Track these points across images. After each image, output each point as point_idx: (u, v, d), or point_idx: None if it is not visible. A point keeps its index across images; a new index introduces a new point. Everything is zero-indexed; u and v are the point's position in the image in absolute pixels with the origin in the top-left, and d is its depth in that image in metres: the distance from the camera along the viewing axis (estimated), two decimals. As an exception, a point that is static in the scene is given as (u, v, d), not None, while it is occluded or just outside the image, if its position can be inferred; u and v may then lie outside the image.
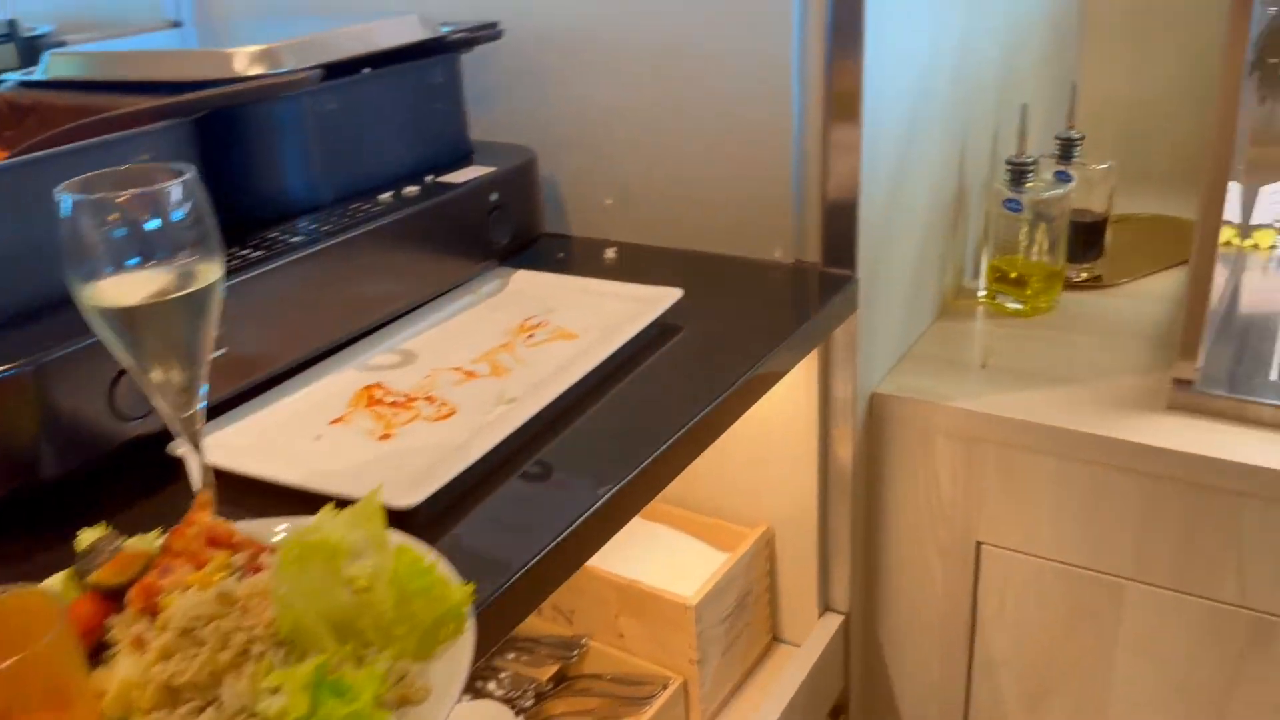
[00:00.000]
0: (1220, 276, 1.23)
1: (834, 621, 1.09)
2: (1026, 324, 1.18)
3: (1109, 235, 1.28)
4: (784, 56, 0.91)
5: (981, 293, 1.24)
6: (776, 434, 1.04)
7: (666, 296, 0.87)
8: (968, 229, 1.24)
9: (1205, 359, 1.01)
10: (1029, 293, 1.19)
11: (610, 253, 1.04)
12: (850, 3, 0.87)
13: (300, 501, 0.61)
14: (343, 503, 0.50)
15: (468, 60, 1.00)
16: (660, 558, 1.06)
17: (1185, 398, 0.96)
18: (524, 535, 0.61)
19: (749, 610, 1.06)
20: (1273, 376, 0.99)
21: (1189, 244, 0.95)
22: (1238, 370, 1.01)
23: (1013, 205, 1.17)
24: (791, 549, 1.09)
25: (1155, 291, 1.24)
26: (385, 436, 0.69)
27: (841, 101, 0.91)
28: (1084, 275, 1.27)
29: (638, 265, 1.02)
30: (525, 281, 0.95)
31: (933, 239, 1.15)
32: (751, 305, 0.93)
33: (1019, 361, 1.08)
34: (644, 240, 1.06)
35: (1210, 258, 0.94)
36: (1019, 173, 1.16)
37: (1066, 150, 1.25)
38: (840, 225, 0.95)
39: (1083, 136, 1.24)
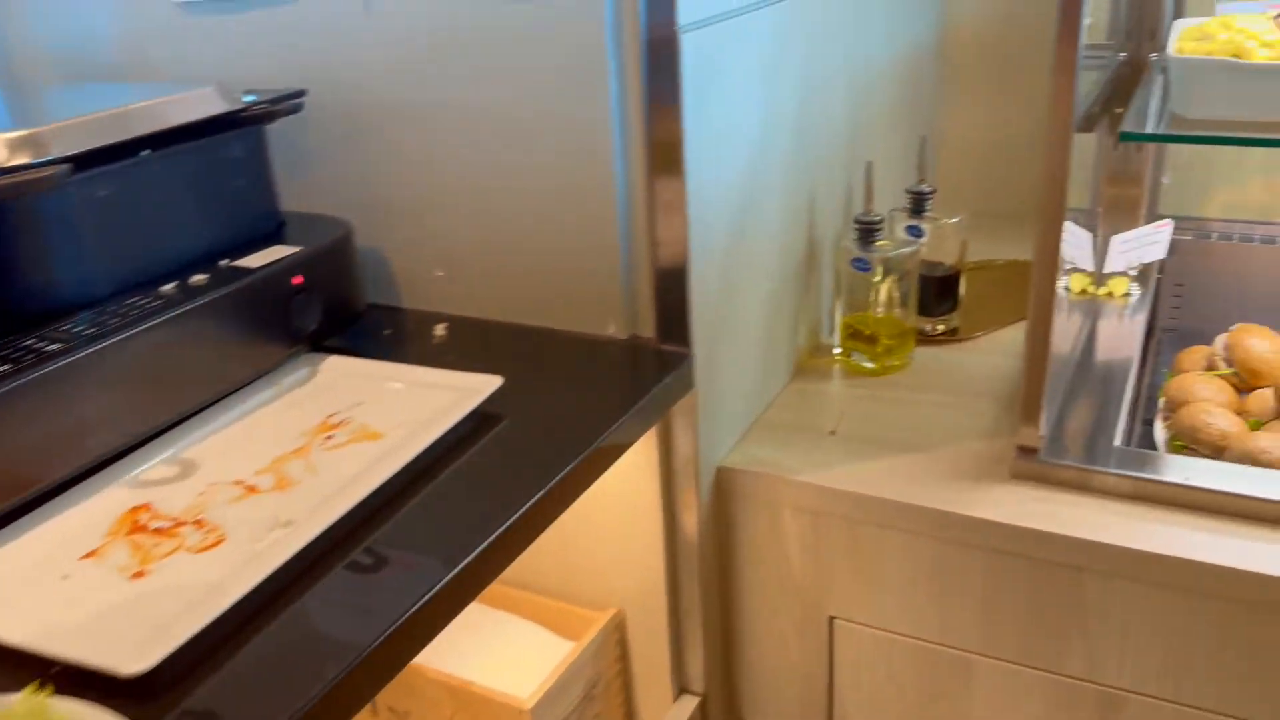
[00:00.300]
0: (1071, 330, 1.24)
1: (690, 704, 1.05)
2: (879, 383, 1.15)
3: (964, 286, 1.27)
4: (603, 120, 0.87)
5: (837, 350, 1.22)
6: (621, 513, 1.00)
7: (484, 386, 0.82)
8: (821, 286, 1.22)
9: (1052, 421, 1.00)
10: (880, 350, 1.17)
11: (440, 329, 0.98)
12: (667, 63, 0.83)
13: (27, 665, 0.54)
14: (65, 671, 0.43)
15: (289, 126, 0.94)
16: (503, 649, 1.00)
17: (1028, 467, 0.95)
18: (290, 683, 0.54)
19: (598, 700, 1.01)
20: (1117, 440, 0.98)
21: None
22: (1086, 432, 1.00)
23: (860, 265, 1.15)
24: (643, 631, 1.04)
25: (1010, 345, 1.23)
26: (139, 574, 0.62)
27: (664, 163, 0.87)
28: (940, 328, 1.26)
29: (468, 343, 0.96)
30: (336, 370, 0.89)
31: (784, 298, 1.12)
32: (581, 388, 0.89)
33: (868, 426, 1.06)
34: (478, 313, 1.00)
35: (1046, 322, 0.92)
36: (866, 231, 1.14)
37: (918, 204, 1.24)
38: (673, 297, 0.91)
39: (933, 190, 1.23)
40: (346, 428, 0.79)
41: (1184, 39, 1.12)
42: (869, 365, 1.18)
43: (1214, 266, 1.44)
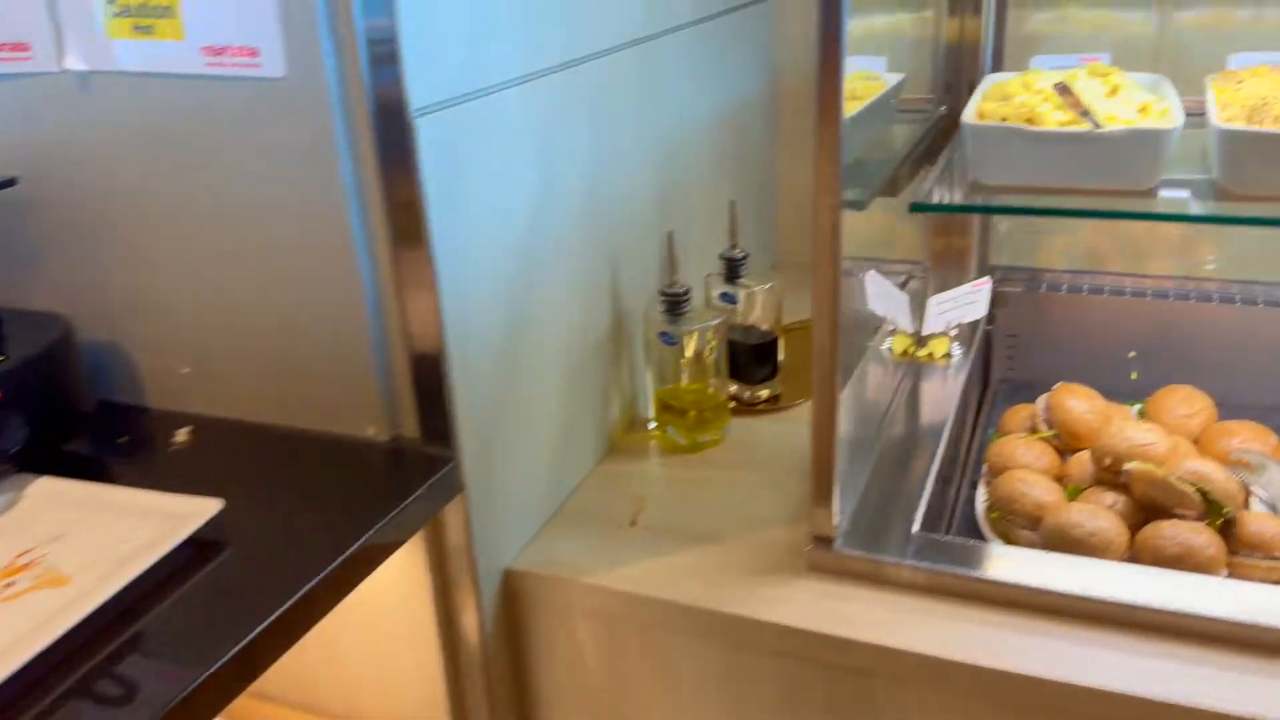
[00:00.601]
0: (884, 397, 1.20)
1: (486, 826, 0.96)
2: (692, 461, 1.10)
3: (783, 351, 1.22)
4: (339, 205, 0.79)
5: (653, 425, 1.16)
6: (397, 626, 0.91)
7: (197, 513, 0.73)
8: (636, 359, 1.16)
9: (852, 504, 0.96)
10: (692, 426, 1.11)
11: (182, 434, 0.89)
12: (401, 146, 0.76)
13: None
14: None
15: (4, 216, 0.84)
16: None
17: (824, 558, 0.89)
18: None
19: (379, 832, 0.92)
20: (916, 526, 0.93)
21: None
22: (888, 515, 0.95)
23: (667, 339, 1.09)
24: (432, 749, 0.96)
25: (832, 410, 1.19)
26: None
27: (409, 245, 0.79)
28: (762, 395, 1.21)
29: (210, 450, 0.87)
30: (41, 495, 0.79)
31: (589, 375, 1.06)
32: (327, 502, 0.80)
33: (671, 514, 1.00)
34: (229, 413, 0.91)
35: (830, 401, 0.87)
36: (672, 303, 1.08)
37: (731, 270, 1.19)
38: (432, 390, 0.83)
39: (745, 255, 1.18)
40: (32, 571, 0.69)
41: (987, 98, 1.10)
42: (682, 441, 1.12)
43: (1046, 317, 1.43)
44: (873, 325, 1.32)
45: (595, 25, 1.00)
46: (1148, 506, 1.02)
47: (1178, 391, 1.22)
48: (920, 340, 1.26)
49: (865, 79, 1.23)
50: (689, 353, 1.10)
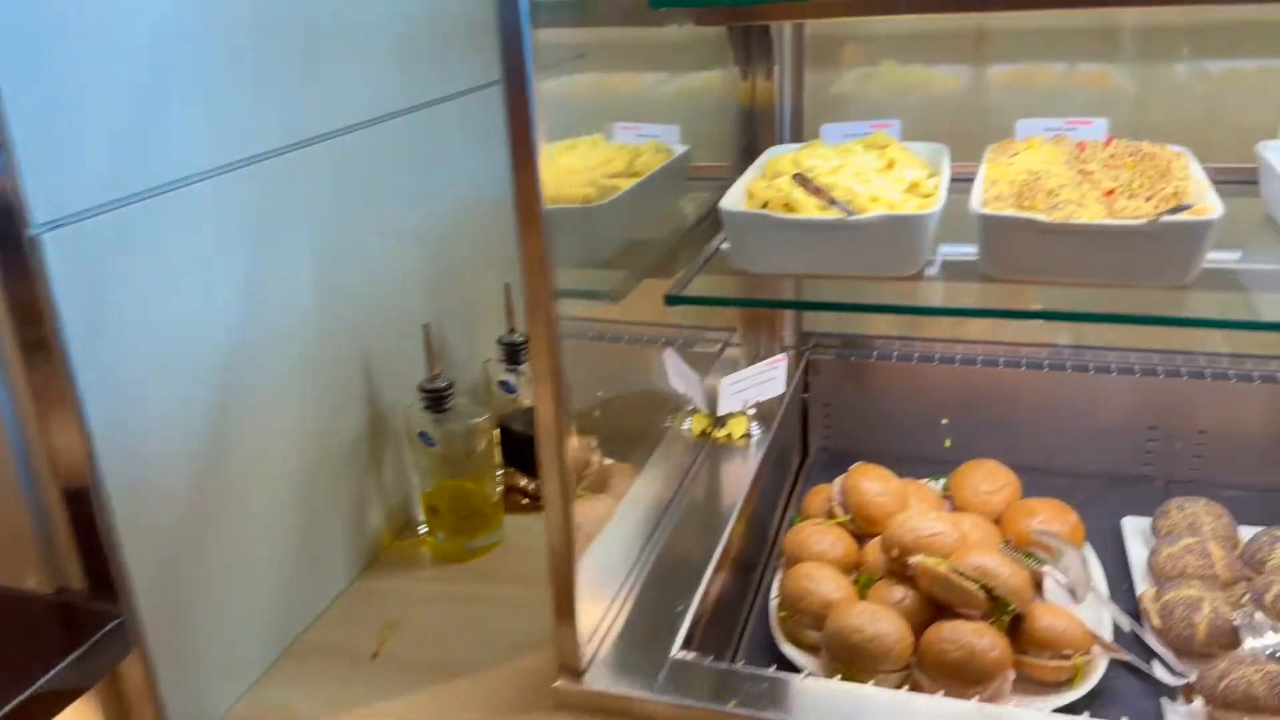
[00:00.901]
0: (671, 485, 1.12)
1: None
2: (459, 573, 1.01)
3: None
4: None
5: (423, 529, 1.06)
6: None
7: None
8: (405, 458, 1.06)
9: (606, 626, 0.88)
10: (458, 530, 1.02)
11: None
12: (19, 262, 0.65)
13: None
14: None
15: None
16: None
17: (570, 693, 0.81)
18: None
19: None
20: (675, 650, 0.85)
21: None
22: (654, 632, 0.87)
23: (425, 439, 1.00)
24: None
25: (624, 502, 1.11)
26: None
27: (40, 363, 0.68)
28: (545, 491, 1.13)
29: None
30: None
31: (334, 488, 0.96)
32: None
33: (422, 641, 0.90)
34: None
35: (564, 510, 0.78)
36: (432, 399, 0.99)
37: (511, 355, 1.11)
38: (90, 536, 0.72)
39: (526, 339, 1.10)
40: None
41: (765, 173, 1.04)
42: (450, 547, 1.03)
43: (860, 385, 1.39)
44: (673, 405, 1.25)
45: (325, 103, 0.91)
46: (935, 602, 0.97)
47: (981, 466, 1.18)
48: (718, 420, 1.20)
49: (655, 151, 1.17)
50: (455, 450, 1.01)
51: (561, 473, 0.76)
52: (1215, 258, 0.84)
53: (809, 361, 1.39)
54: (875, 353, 1.37)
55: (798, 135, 1.31)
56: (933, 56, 1.36)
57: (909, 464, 1.30)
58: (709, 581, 0.96)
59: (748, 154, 1.29)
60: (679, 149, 1.18)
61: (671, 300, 0.89)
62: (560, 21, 0.93)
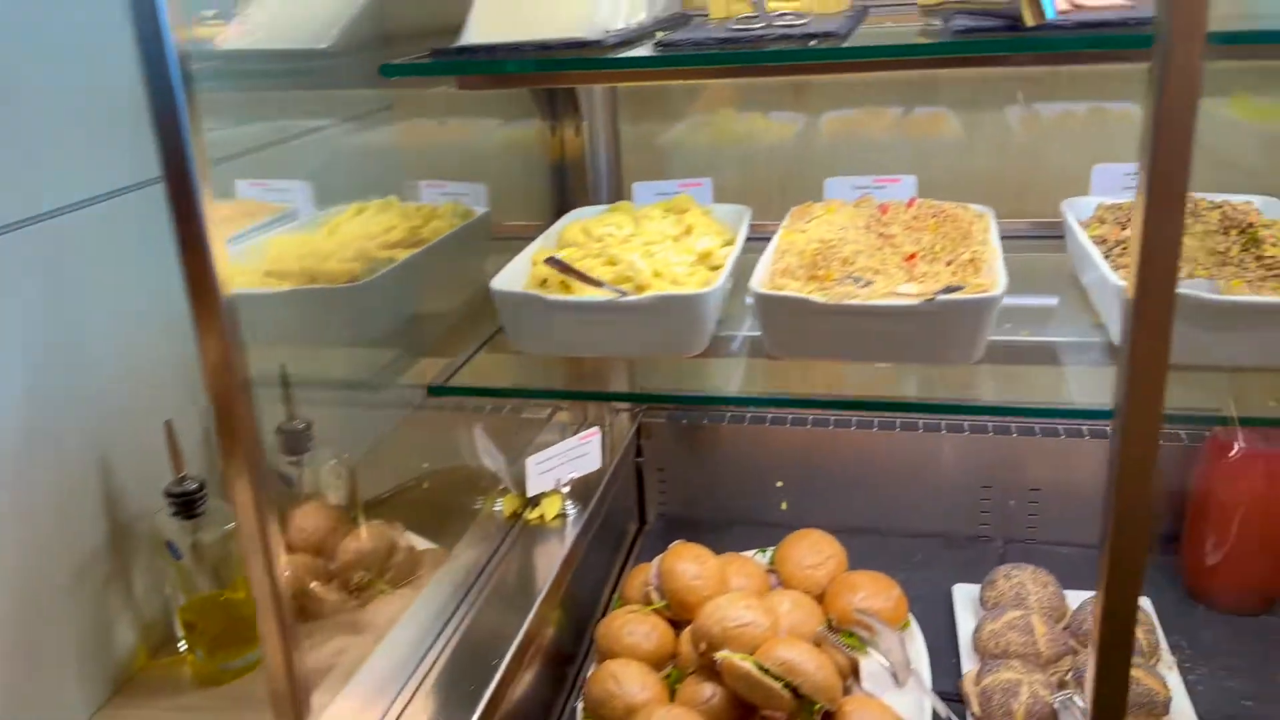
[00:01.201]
0: (475, 569, 1.03)
1: None
2: (210, 698, 0.90)
3: (365, 533, 1.05)
4: None
5: (183, 646, 0.95)
6: None
7: None
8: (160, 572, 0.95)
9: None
10: (215, 646, 0.91)
11: None
12: None
13: None
14: None
15: None
16: None
17: None
18: None
19: None
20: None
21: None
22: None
23: (173, 550, 0.89)
24: None
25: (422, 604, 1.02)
26: None
27: None
28: (331, 599, 1.03)
29: None
30: None
31: (60, 613, 0.84)
32: None
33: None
34: None
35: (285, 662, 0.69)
36: (181, 503, 0.88)
37: (290, 445, 1.01)
38: None
39: (308, 424, 1.00)
40: None
41: (560, 241, 0.97)
42: (207, 667, 0.92)
43: (694, 449, 1.32)
44: (489, 483, 1.16)
45: (34, 181, 0.81)
46: (743, 701, 0.90)
47: (807, 538, 1.13)
48: (531, 500, 1.12)
49: (453, 214, 1.09)
50: (213, 558, 0.90)
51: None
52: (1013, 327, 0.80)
53: (641, 425, 1.32)
54: (706, 417, 1.30)
55: (617, 190, 1.25)
56: (767, 104, 1.31)
57: (746, 529, 1.25)
58: (499, 682, 0.87)
59: (561, 212, 1.23)
60: (479, 210, 1.10)
61: (435, 391, 0.81)
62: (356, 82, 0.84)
